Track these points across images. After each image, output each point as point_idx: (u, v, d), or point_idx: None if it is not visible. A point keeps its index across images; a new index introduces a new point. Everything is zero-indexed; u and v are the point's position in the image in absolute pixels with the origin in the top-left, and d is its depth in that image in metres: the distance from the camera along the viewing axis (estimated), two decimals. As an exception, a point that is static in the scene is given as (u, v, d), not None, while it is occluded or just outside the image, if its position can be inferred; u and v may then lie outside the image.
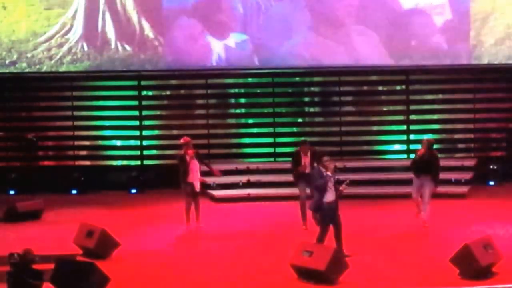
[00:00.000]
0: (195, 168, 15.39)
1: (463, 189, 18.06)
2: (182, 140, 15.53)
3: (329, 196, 12.80)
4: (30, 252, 11.09)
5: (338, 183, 13.01)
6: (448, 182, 17.83)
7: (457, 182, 18.31)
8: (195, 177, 15.39)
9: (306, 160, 15.23)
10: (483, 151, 19.70)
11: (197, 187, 15.45)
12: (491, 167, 19.04)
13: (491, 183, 18.92)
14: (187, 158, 15.33)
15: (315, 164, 13.85)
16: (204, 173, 15.87)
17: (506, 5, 19.01)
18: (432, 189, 15.10)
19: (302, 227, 15.12)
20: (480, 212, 16.42)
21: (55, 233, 15.31)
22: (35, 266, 11.10)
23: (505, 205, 16.73)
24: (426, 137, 19.31)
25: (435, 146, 15.80)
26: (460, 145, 19.93)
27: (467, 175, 18.57)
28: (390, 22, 19.19)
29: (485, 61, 19.17)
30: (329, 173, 12.78)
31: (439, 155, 18.64)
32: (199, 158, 15.55)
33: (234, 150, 19.86)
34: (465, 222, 15.50)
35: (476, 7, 18.98)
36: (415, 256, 13.34)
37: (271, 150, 19.58)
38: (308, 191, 15.11)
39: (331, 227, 12.92)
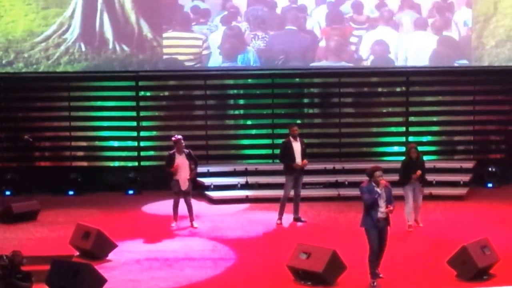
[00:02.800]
0: (183, 167, 15.33)
1: (462, 191, 18.00)
2: (173, 138, 15.57)
3: (378, 214, 11.98)
4: (19, 254, 11.04)
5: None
6: (445, 184, 17.79)
7: (456, 184, 18.24)
8: (182, 176, 15.36)
9: (296, 148, 15.40)
10: (482, 153, 19.63)
11: (185, 186, 15.40)
12: (490, 169, 18.97)
13: (490, 185, 18.87)
14: (176, 156, 15.35)
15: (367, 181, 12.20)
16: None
17: (508, 7, 18.93)
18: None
19: (277, 221, 15.59)
20: (478, 214, 16.40)
21: (51, 234, 15.27)
22: (24, 268, 11.02)
23: (503, 207, 16.72)
24: (425, 139, 19.35)
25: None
26: (459, 147, 19.84)
27: (466, 177, 18.49)
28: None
29: (485, 63, 19.08)
30: (378, 189, 11.94)
31: (439, 157, 18.72)
32: (191, 158, 15.52)
33: (232, 152, 19.76)
34: (463, 224, 15.48)
35: (478, 9, 18.89)
36: (413, 258, 13.32)
37: (269, 151, 19.43)
38: (292, 192, 15.49)
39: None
